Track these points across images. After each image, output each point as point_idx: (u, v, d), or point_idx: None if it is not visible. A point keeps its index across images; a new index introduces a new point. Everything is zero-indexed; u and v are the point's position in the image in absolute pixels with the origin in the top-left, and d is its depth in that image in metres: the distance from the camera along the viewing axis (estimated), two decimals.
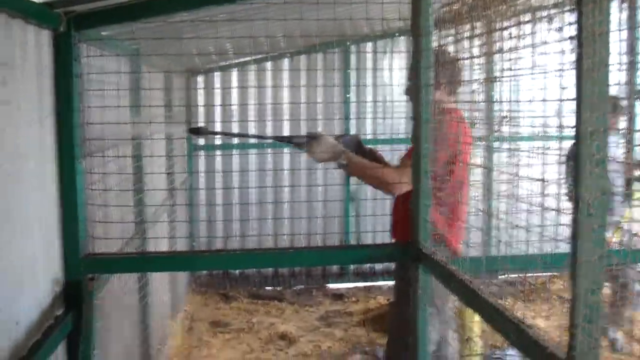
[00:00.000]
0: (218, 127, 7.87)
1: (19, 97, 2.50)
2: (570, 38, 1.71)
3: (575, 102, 1.67)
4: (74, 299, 3.00)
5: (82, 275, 3.03)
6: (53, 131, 2.92)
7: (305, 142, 3.94)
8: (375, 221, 7.61)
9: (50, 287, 2.85)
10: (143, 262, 3.41)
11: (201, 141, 8.00)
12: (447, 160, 3.06)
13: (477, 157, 2.84)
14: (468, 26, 2.65)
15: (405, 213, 3.65)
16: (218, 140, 8.04)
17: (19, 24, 2.52)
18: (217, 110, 7.95)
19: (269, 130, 7.76)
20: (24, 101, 2.55)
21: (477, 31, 2.55)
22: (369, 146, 4.33)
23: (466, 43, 2.67)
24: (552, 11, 2.01)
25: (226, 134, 7.31)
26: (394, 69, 7.87)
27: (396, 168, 3.89)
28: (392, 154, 7.42)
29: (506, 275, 2.45)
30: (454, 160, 3.06)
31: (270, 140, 7.67)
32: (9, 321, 2.36)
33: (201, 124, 7.41)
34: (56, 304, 2.89)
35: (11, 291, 2.40)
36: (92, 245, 3.18)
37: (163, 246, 5.51)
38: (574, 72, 1.68)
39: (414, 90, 3.17)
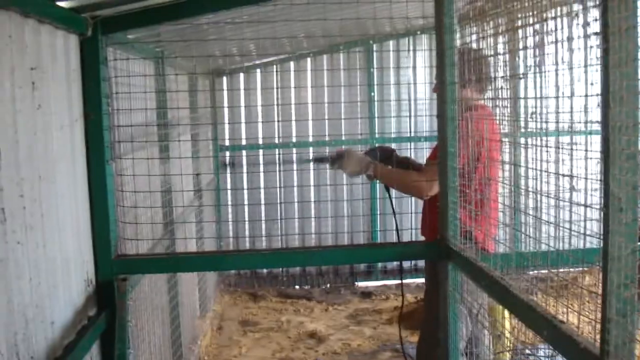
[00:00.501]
0: (243, 127, 7.92)
1: (50, 101, 2.55)
2: (596, 34, 1.71)
3: (602, 96, 1.66)
4: (107, 300, 3.04)
5: (113, 275, 3.07)
6: (82, 134, 2.96)
7: (334, 160, 4.10)
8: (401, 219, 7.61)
9: (83, 287, 2.89)
10: (172, 263, 3.44)
11: (227, 143, 8.03)
12: (474, 158, 3.06)
13: (504, 153, 2.82)
14: (492, 23, 2.65)
15: (433, 211, 3.66)
16: (243, 141, 8.06)
17: (47, 29, 2.56)
18: (242, 111, 7.99)
19: (293, 131, 7.78)
20: (54, 105, 2.59)
21: (502, 28, 2.55)
22: (404, 156, 4.37)
23: (491, 40, 2.67)
24: (577, 7, 2.00)
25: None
26: (417, 67, 7.86)
27: (421, 172, 3.93)
28: (415, 152, 7.43)
29: (536, 272, 2.43)
30: (481, 158, 3.05)
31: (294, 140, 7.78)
32: (45, 321, 2.40)
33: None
34: (89, 304, 2.94)
35: (47, 292, 2.44)
36: (123, 246, 3.22)
37: (191, 246, 5.55)
38: (601, 67, 1.67)
39: (439, 88, 3.18)
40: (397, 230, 4.19)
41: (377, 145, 4.38)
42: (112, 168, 3.12)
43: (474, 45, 2.84)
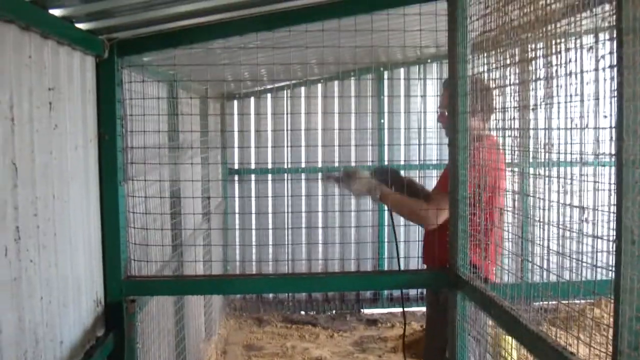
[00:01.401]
0: (252, 152, 7.95)
1: (66, 121, 2.57)
2: (611, 67, 1.72)
3: (616, 129, 1.68)
4: (115, 320, 3.04)
5: (122, 297, 3.07)
6: (96, 154, 2.98)
7: (341, 179, 4.09)
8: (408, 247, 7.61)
9: (93, 307, 2.90)
10: (180, 285, 3.45)
11: (236, 165, 8.07)
12: (482, 187, 3.07)
13: (514, 183, 2.83)
14: (506, 53, 2.67)
15: (436, 238, 3.67)
16: (253, 165, 8.09)
17: (65, 50, 2.60)
18: (252, 135, 8.02)
19: (302, 156, 7.80)
20: (70, 125, 2.62)
21: (516, 58, 2.57)
22: (409, 177, 4.38)
23: (503, 70, 2.69)
24: (591, 40, 2.02)
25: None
26: (427, 95, 7.89)
27: (429, 201, 3.92)
28: (424, 180, 7.43)
29: (543, 303, 2.43)
30: (487, 187, 3.06)
31: (303, 166, 7.80)
32: (54, 340, 2.41)
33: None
34: (98, 324, 2.94)
35: (57, 311, 2.45)
36: (132, 268, 3.23)
37: (199, 269, 5.55)
38: (613, 99, 1.69)
39: (450, 116, 3.19)
40: (398, 258, 4.19)
41: (387, 166, 4.37)
42: (125, 189, 3.14)
43: (486, 75, 2.85)
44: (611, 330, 1.73)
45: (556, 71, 2.19)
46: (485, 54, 2.86)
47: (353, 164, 7.73)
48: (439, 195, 3.84)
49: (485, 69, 2.84)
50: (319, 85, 8.02)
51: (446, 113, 3.99)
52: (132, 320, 3.07)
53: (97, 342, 2.88)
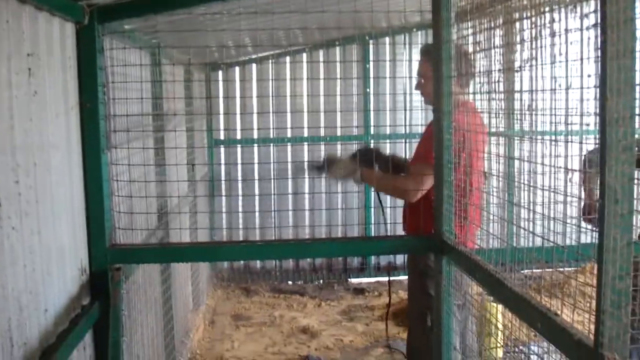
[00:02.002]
0: (238, 119, 7.92)
1: (46, 89, 2.54)
2: (594, 26, 1.71)
3: (600, 88, 1.67)
4: (100, 289, 3.04)
5: (107, 265, 3.06)
6: (78, 122, 2.95)
7: (323, 166, 4.16)
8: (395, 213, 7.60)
9: (77, 276, 2.88)
10: (166, 253, 3.45)
11: (221, 136, 8.04)
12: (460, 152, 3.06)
13: (498, 147, 2.82)
14: (489, 17, 2.65)
15: (421, 207, 3.69)
16: (238, 135, 8.06)
17: (44, 16, 2.56)
18: (237, 103, 7.98)
19: (288, 123, 7.77)
20: (50, 92, 2.59)
21: (499, 21, 2.55)
22: (392, 153, 4.40)
23: (488, 34, 2.67)
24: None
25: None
26: (412, 60, 7.83)
27: (406, 177, 3.96)
28: (411, 146, 7.40)
29: (529, 271, 2.44)
30: (469, 152, 3.05)
31: (289, 135, 7.78)
32: (38, 308, 2.39)
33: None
34: (83, 293, 2.93)
35: (41, 279, 2.44)
36: (117, 236, 3.22)
37: (185, 237, 5.54)
38: (598, 60, 1.68)
39: (434, 81, 3.17)
40: (385, 223, 4.23)
41: (358, 147, 4.41)
42: (108, 157, 3.12)
43: (470, 39, 2.84)
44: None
45: (540, 32, 2.17)
46: (469, 19, 2.85)
47: (339, 130, 7.71)
48: (416, 167, 3.87)
49: (471, 32, 2.83)
50: (304, 55, 7.97)
51: (422, 81, 3.99)
52: (117, 288, 3.06)
53: (82, 310, 2.88)
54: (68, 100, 2.83)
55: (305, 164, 4.43)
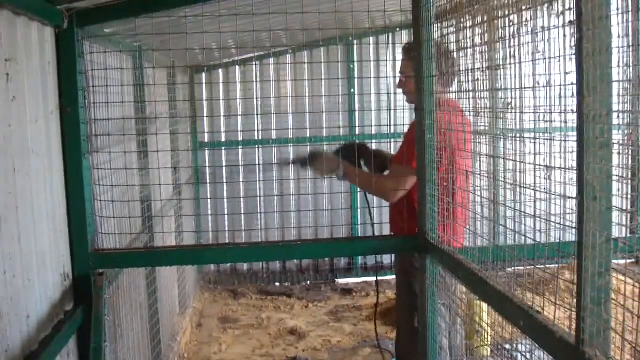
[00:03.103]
0: (222, 121, 7.91)
1: (25, 93, 2.52)
2: (570, 23, 1.72)
3: (577, 85, 1.67)
4: (84, 294, 3.02)
5: (90, 270, 3.05)
6: (59, 127, 2.93)
7: (307, 161, 4.12)
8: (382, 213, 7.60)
9: (60, 282, 2.87)
10: (150, 257, 3.43)
11: (206, 139, 8.02)
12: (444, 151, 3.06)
13: (482, 145, 2.82)
14: (469, 15, 2.65)
15: (404, 208, 3.70)
16: (223, 137, 8.04)
17: (22, 21, 2.54)
18: (221, 105, 7.97)
19: (273, 124, 7.76)
20: (29, 97, 2.57)
21: (479, 20, 2.56)
22: (377, 149, 4.38)
23: (468, 32, 2.68)
24: None
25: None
26: (396, 60, 7.83)
27: (387, 177, 3.95)
28: (396, 146, 7.39)
29: (514, 268, 2.43)
30: (449, 151, 3.05)
31: (274, 137, 7.77)
32: (19, 315, 2.38)
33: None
34: (66, 298, 2.92)
35: (22, 285, 2.42)
36: (101, 241, 3.20)
37: (170, 241, 5.52)
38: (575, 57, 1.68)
39: (416, 80, 3.18)
40: (372, 224, 4.23)
41: (342, 143, 4.40)
42: (89, 162, 3.10)
43: (452, 37, 2.84)
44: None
45: (518, 30, 2.18)
46: (449, 17, 2.85)
47: (324, 131, 7.70)
48: (396, 168, 3.88)
49: (452, 31, 2.83)
50: (288, 56, 7.97)
51: (404, 79, 3.99)
52: (100, 292, 3.04)
53: (65, 316, 2.86)
54: (48, 104, 2.81)
55: (291, 158, 4.38)
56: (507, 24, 2.30)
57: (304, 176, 7.36)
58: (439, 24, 2.96)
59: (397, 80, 4.14)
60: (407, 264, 3.94)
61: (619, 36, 1.62)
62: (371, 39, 7.92)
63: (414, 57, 3.17)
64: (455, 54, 2.91)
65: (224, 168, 8.05)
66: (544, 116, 2.09)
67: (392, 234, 4.16)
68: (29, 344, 2.44)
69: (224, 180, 8.02)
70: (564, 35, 1.79)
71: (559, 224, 2.05)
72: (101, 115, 3.26)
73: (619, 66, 1.63)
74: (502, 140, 2.51)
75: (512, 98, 2.32)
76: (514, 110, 2.34)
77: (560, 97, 1.91)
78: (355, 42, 7.86)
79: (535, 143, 2.18)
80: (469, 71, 2.65)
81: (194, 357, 6.03)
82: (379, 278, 8.04)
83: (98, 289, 3.04)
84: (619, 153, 1.68)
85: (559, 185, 2.17)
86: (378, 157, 4.17)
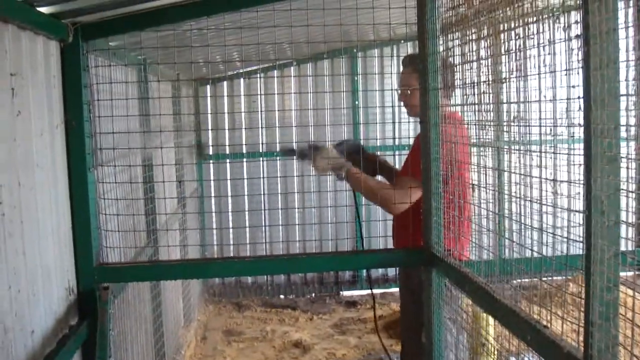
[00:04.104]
0: (226, 134, 7.92)
1: (30, 107, 2.52)
2: (577, 37, 1.71)
3: (584, 99, 1.66)
4: (88, 308, 3.01)
5: (95, 284, 3.04)
6: (63, 141, 2.93)
7: (308, 153, 3.99)
8: (386, 226, 7.59)
9: (65, 296, 2.86)
10: (155, 271, 3.42)
11: (210, 151, 8.03)
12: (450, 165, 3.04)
13: (486, 158, 2.81)
14: (474, 29, 2.65)
15: (404, 220, 3.67)
16: (227, 149, 8.05)
17: (28, 35, 2.55)
18: (225, 118, 7.98)
19: (277, 137, 7.75)
20: (34, 111, 2.57)
21: (484, 33, 2.55)
22: (372, 152, 4.34)
23: (473, 45, 2.67)
24: (558, 10, 2.00)
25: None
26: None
27: (393, 187, 3.87)
28: (400, 159, 7.38)
29: (520, 280, 2.42)
30: (457, 165, 3.03)
31: (278, 149, 7.76)
32: (24, 330, 2.37)
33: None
34: (71, 313, 2.91)
35: (27, 300, 2.41)
36: (106, 255, 3.20)
37: (175, 255, 5.51)
38: (582, 70, 1.67)
39: (421, 94, 3.17)
40: (361, 238, 4.15)
41: (344, 139, 4.30)
42: (94, 175, 3.10)
43: (457, 50, 2.84)
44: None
45: (524, 43, 2.17)
46: (454, 30, 2.84)
47: (328, 144, 7.69)
48: (403, 181, 3.82)
49: (457, 44, 2.82)
50: (292, 69, 7.98)
51: (404, 91, 3.94)
52: (105, 307, 3.03)
53: (70, 330, 2.85)
54: (53, 118, 2.81)
55: (294, 146, 4.25)
56: (513, 37, 2.29)
57: (309, 189, 7.38)
58: (444, 37, 2.95)
59: (399, 93, 4.10)
60: (417, 279, 3.90)
61: (626, 50, 1.61)
62: (375, 51, 7.93)
63: (419, 69, 3.16)
64: (456, 67, 2.90)
65: (229, 181, 8.05)
66: (550, 129, 2.08)
67: (394, 247, 4.13)
68: (34, 359, 2.43)
69: (229, 194, 8.02)
70: (571, 49, 1.78)
71: (564, 237, 2.04)
72: (106, 129, 3.26)
73: (626, 80, 1.61)
74: (506, 153, 2.50)
75: (517, 111, 2.31)
76: (519, 124, 2.33)
77: (567, 111, 1.90)
78: (359, 54, 7.87)
79: (540, 156, 2.17)
80: (475, 84, 2.65)
81: None
82: (384, 290, 8.07)
83: (103, 304, 3.03)
84: (627, 167, 1.66)
85: (564, 198, 2.16)
86: (382, 166, 4.14)
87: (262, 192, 7.74)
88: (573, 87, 1.77)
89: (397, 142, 7.78)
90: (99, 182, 3.19)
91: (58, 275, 2.79)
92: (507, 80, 2.37)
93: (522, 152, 2.34)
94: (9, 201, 2.29)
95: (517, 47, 2.26)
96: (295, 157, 4.22)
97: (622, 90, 1.63)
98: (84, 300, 3.03)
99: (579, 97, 1.70)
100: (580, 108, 1.70)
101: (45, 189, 2.67)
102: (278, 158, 7.83)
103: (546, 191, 2.19)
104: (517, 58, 2.29)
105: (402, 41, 7.69)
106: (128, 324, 3.76)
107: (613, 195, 1.64)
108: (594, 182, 1.64)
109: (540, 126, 2.19)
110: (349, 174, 3.91)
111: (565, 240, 2.02)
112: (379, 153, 6.44)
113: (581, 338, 1.75)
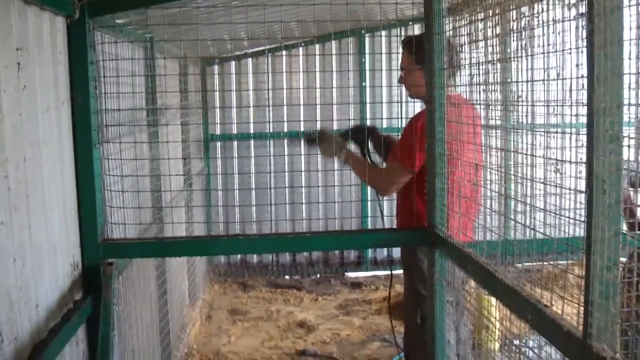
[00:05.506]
0: (234, 112, 7.92)
1: (36, 83, 2.53)
2: (582, 15, 1.70)
3: (587, 78, 1.66)
4: (93, 283, 3.03)
5: (100, 260, 3.05)
6: (69, 117, 2.94)
7: (315, 139, 4.08)
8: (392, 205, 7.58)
9: (70, 271, 2.88)
10: (159, 247, 3.43)
11: (217, 131, 8.03)
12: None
13: (491, 139, 2.80)
14: (480, 8, 2.64)
15: (405, 201, 3.70)
16: (234, 130, 8.05)
17: (34, 11, 2.55)
18: (233, 96, 7.98)
19: (284, 116, 7.75)
20: (40, 86, 2.57)
21: (490, 12, 2.54)
22: (388, 134, 4.36)
23: (479, 25, 2.66)
24: None
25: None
26: None
27: (380, 172, 3.93)
28: None
29: (523, 264, 2.42)
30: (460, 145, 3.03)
31: (285, 130, 7.77)
32: (29, 303, 2.39)
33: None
34: (75, 288, 2.93)
35: (32, 274, 2.43)
36: (111, 231, 3.21)
37: (180, 232, 5.52)
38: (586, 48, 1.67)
39: (427, 74, 3.16)
40: (382, 216, 4.22)
41: (364, 125, 4.35)
42: (100, 152, 3.11)
43: (463, 31, 2.83)
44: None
45: (529, 22, 2.17)
46: (460, 10, 2.84)
47: (335, 123, 7.69)
48: (390, 166, 3.87)
49: (463, 24, 2.82)
50: (300, 49, 7.96)
51: (403, 74, 3.95)
52: (109, 282, 3.05)
53: (75, 305, 2.87)
54: (59, 94, 2.82)
55: (301, 135, 4.31)
56: (518, 16, 2.29)
57: (315, 168, 7.36)
58: (451, 17, 2.94)
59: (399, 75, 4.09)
60: (409, 261, 3.94)
61: (630, 28, 1.60)
62: (383, 31, 7.89)
63: (424, 49, 3.15)
64: (461, 47, 2.90)
65: (235, 159, 8.05)
66: (554, 109, 2.07)
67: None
68: (38, 333, 2.45)
69: (235, 171, 8.03)
70: (576, 28, 1.78)
71: (568, 217, 2.04)
72: (112, 106, 3.27)
73: (629, 58, 1.61)
74: (512, 133, 2.49)
75: (522, 91, 2.31)
76: (524, 104, 2.33)
77: (571, 90, 1.90)
78: (367, 35, 7.84)
79: (545, 136, 2.17)
80: (480, 64, 2.64)
81: (203, 348, 6.05)
82: (380, 272, 8.08)
83: (107, 278, 3.05)
84: (628, 146, 1.66)
85: (570, 179, 2.16)
86: (387, 142, 4.16)
87: (268, 171, 7.74)
88: (577, 66, 1.77)
89: (403, 123, 7.74)
90: (105, 158, 3.20)
91: (63, 251, 2.81)
92: (513, 60, 2.37)
93: (526, 132, 2.34)
94: (15, 176, 2.30)
95: (522, 27, 2.25)
96: (302, 143, 4.28)
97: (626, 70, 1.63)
98: (89, 275, 3.05)
99: (582, 76, 1.70)
100: (584, 87, 1.70)
101: (51, 165, 2.68)
102: (285, 143, 7.83)
103: (550, 172, 2.18)
104: (523, 37, 2.28)
105: (410, 22, 7.65)
106: (133, 301, 3.78)
107: (615, 174, 1.64)
108: (596, 161, 1.64)
109: (545, 106, 2.18)
110: (346, 157, 4.01)
111: (570, 221, 2.02)
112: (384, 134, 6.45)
113: (581, 317, 1.76)
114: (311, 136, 4.15)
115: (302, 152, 7.40)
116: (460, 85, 3.09)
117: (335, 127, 7.53)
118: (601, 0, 1.59)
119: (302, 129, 7.71)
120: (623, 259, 3.04)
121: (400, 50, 3.97)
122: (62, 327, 2.62)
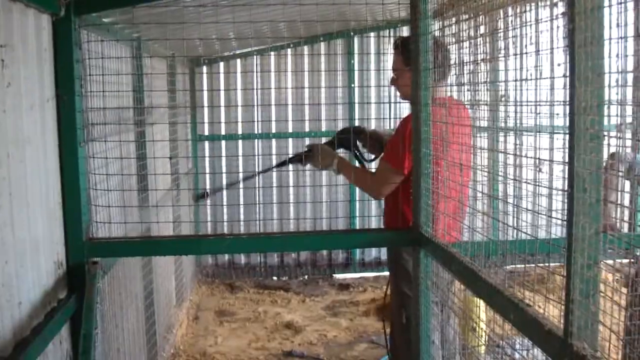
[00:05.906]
0: (222, 112, 7.91)
1: (20, 80, 2.52)
2: (562, 14, 1.71)
3: (569, 77, 1.67)
4: (78, 282, 3.02)
5: (84, 258, 3.04)
6: (54, 115, 2.93)
7: (303, 158, 4.11)
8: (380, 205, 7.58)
9: (54, 269, 2.87)
10: (146, 246, 3.43)
11: (205, 131, 8.02)
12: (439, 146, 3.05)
13: (480, 140, 2.81)
14: (464, 9, 2.65)
15: (393, 202, 3.71)
16: (223, 130, 8.03)
17: (19, 8, 2.54)
18: (221, 96, 7.96)
19: (272, 116, 7.74)
20: (24, 84, 2.57)
21: (472, 13, 2.55)
22: (373, 130, 4.37)
23: (463, 25, 2.67)
24: None
25: (230, 186, 7.32)
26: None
27: (372, 176, 3.95)
28: None
29: (512, 266, 2.43)
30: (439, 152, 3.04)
31: (273, 130, 7.76)
32: (11, 301, 2.38)
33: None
34: (59, 286, 2.92)
35: (14, 272, 2.42)
36: (96, 230, 3.20)
37: (168, 232, 5.50)
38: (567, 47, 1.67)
39: (413, 75, 3.17)
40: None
41: (340, 129, 4.38)
42: (85, 150, 3.10)
43: (447, 31, 2.84)
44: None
45: (512, 22, 2.18)
46: (445, 11, 2.85)
47: (323, 123, 7.68)
48: (380, 169, 3.89)
49: (448, 23, 2.83)
50: (289, 50, 7.96)
51: (395, 76, 3.96)
52: (93, 281, 3.04)
53: (59, 304, 2.86)
54: (44, 92, 2.81)
55: (288, 158, 4.32)
56: (501, 16, 2.30)
57: (303, 168, 7.37)
58: (438, 17, 2.95)
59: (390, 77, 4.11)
60: (394, 261, 3.96)
61: (610, 27, 1.61)
62: (372, 34, 7.90)
63: (411, 50, 3.16)
64: (450, 47, 2.91)
65: (223, 159, 8.03)
66: (536, 109, 2.08)
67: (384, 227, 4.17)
68: (21, 331, 2.44)
69: (223, 171, 8.00)
70: (557, 27, 1.79)
71: (549, 217, 2.05)
72: (97, 105, 3.26)
73: (609, 57, 1.62)
74: (494, 133, 2.50)
75: (505, 91, 2.32)
76: (508, 104, 2.34)
77: (551, 89, 1.91)
78: (355, 35, 7.85)
79: (526, 136, 2.18)
80: (463, 64, 2.65)
81: (190, 349, 6.04)
82: (379, 274, 8.08)
83: (91, 277, 3.04)
84: (608, 145, 1.67)
85: (555, 180, 2.17)
86: (374, 138, 4.18)
87: (256, 171, 7.71)
88: (558, 65, 1.78)
89: (393, 123, 7.73)
90: (90, 157, 3.19)
91: (47, 249, 2.80)
92: (496, 60, 2.38)
93: (508, 132, 2.35)
94: None
95: (505, 27, 2.26)
96: (291, 164, 4.34)
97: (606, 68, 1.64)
98: (74, 274, 3.03)
99: (564, 76, 1.71)
100: (565, 86, 1.71)
101: (35, 163, 2.67)
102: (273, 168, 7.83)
103: (531, 170, 2.19)
104: (506, 37, 2.29)
105: (399, 25, 7.66)
106: (118, 300, 3.77)
107: (595, 172, 1.64)
108: (577, 159, 1.65)
109: (526, 105, 2.19)
110: (339, 167, 4.04)
111: (558, 222, 2.03)
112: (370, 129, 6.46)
113: (562, 316, 1.76)
114: (295, 157, 4.17)
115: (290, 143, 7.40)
116: (448, 86, 3.10)
117: (323, 128, 7.61)
118: (582, 0, 1.60)
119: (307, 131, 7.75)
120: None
121: (390, 51, 3.98)
122: (46, 325, 2.61)
